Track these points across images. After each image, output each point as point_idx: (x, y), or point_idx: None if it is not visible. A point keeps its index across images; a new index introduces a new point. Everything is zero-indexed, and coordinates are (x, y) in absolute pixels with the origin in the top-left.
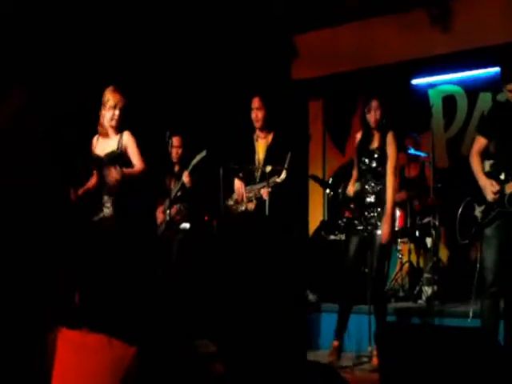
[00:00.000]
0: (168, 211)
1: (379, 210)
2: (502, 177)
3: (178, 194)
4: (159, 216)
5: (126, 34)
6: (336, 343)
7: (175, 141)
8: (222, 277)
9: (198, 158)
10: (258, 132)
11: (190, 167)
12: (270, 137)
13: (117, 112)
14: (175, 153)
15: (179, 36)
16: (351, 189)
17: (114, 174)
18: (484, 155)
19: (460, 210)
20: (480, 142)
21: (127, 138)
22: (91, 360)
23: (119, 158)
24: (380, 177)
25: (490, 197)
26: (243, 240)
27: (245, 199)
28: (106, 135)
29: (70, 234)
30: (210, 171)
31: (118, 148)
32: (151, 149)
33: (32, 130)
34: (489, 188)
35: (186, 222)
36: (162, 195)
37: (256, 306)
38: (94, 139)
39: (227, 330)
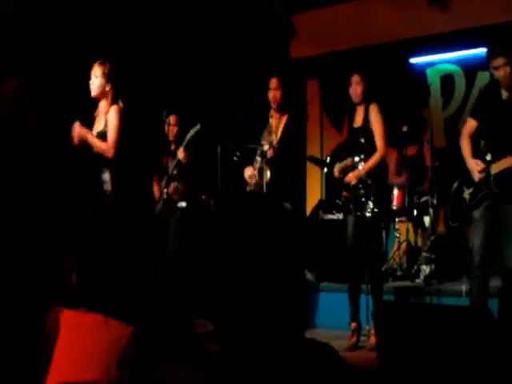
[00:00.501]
0: (165, 189)
1: (372, 188)
2: (489, 157)
3: (175, 172)
4: (156, 192)
5: (124, 16)
6: (354, 325)
7: (172, 119)
8: (218, 256)
9: (192, 132)
10: (272, 112)
11: (185, 142)
12: (285, 118)
13: (95, 80)
14: (171, 131)
15: (179, 15)
16: (336, 170)
17: (77, 131)
18: (475, 137)
19: (451, 192)
20: (470, 124)
21: (111, 113)
22: (88, 340)
23: (104, 139)
24: (368, 153)
25: (476, 177)
26: (240, 219)
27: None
28: (99, 109)
29: (67, 213)
30: (207, 150)
31: (105, 126)
32: (148, 127)
33: (29, 119)
34: (475, 168)
35: (184, 200)
36: (158, 172)
37: (253, 285)
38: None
39: (224, 309)
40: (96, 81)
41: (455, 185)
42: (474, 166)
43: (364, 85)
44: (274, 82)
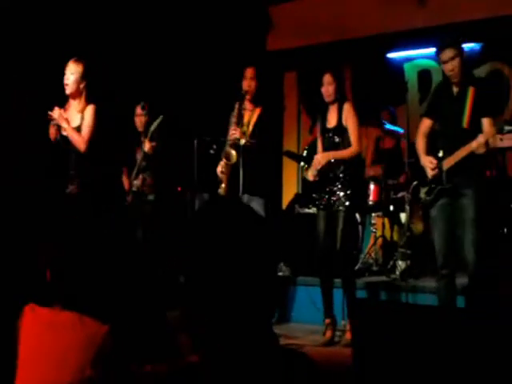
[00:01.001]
0: (134, 181)
1: (345, 183)
2: (440, 154)
3: (143, 163)
4: (125, 183)
5: (96, 8)
6: (328, 321)
7: (138, 109)
8: (192, 250)
9: (155, 124)
10: (246, 103)
11: (149, 134)
12: (258, 110)
13: (70, 77)
14: (139, 121)
15: (154, 5)
16: (310, 174)
17: (59, 113)
18: (431, 136)
19: (409, 195)
20: (425, 123)
21: (89, 112)
22: (62, 338)
23: None
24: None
25: (429, 174)
26: (213, 221)
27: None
28: (70, 106)
29: (40, 208)
30: (183, 143)
31: (80, 123)
32: (118, 118)
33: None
34: (427, 164)
35: (152, 192)
36: (127, 164)
37: (227, 278)
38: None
39: (196, 302)
40: (71, 77)
41: (411, 187)
42: (427, 164)
43: (336, 84)
44: (249, 72)
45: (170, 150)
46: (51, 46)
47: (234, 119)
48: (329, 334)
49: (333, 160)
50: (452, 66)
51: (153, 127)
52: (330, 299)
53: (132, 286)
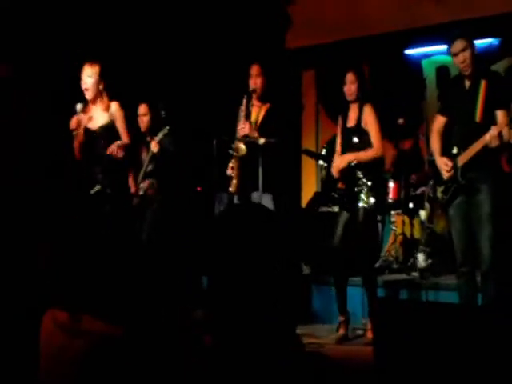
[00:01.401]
0: (141, 185)
1: (367, 182)
2: (455, 151)
3: (150, 167)
4: (132, 185)
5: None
6: (342, 318)
7: (142, 109)
8: (212, 248)
9: (160, 134)
10: (253, 100)
11: (158, 138)
12: (265, 107)
13: (88, 80)
14: (142, 121)
15: (174, 6)
16: (335, 170)
17: (116, 149)
18: (446, 134)
19: (427, 195)
20: (438, 120)
21: (115, 110)
22: (79, 342)
23: (112, 131)
24: (358, 150)
25: (445, 175)
26: (237, 221)
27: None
28: (90, 109)
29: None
30: (202, 143)
31: (109, 121)
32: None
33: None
34: (443, 167)
35: (159, 195)
36: (133, 166)
37: (248, 276)
38: (78, 116)
39: (217, 300)
40: (89, 80)
41: (429, 186)
42: (443, 166)
43: (358, 83)
44: (255, 69)
45: (185, 153)
46: (52, 46)
47: (242, 113)
48: (342, 330)
49: (354, 163)
50: (463, 58)
51: (162, 134)
52: (344, 296)
53: (145, 287)
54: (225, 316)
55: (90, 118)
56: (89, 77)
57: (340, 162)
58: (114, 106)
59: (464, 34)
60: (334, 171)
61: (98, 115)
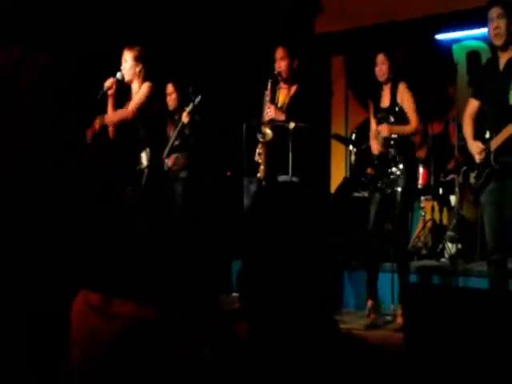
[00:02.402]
0: (166, 161)
1: (400, 165)
2: (487, 135)
3: (176, 142)
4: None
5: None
6: (372, 303)
7: (169, 88)
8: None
9: (191, 105)
10: (281, 83)
11: (189, 108)
12: (294, 88)
13: (125, 65)
14: (172, 100)
15: None
16: (375, 147)
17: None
18: (480, 118)
19: (459, 178)
20: (472, 104)
21: (144, 87)
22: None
23: (143, 120)
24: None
25: (477, 158)
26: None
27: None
28: (132, 92)
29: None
30: (231, 127)
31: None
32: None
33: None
34: (474, 150)
35: (184, 171)
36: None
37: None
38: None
39: (253, 287)
40: (126, 65)
41: (461, 172)
42: (475, 148)
43: (389, 63)
44: (279, 52)
45: (214, 132)
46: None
47: (267, 98)
48: (372, 316)
49: (394, 135)
50: (497, 24)
51: (192, 105)
52: (375, 282)
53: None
54: (260, 300)
55: (129, 102)
56: (125, 61)
57: (383, 128)
58: (144, 85)
59: (505, 2)
60: (380, 136)
61: (134, 99)
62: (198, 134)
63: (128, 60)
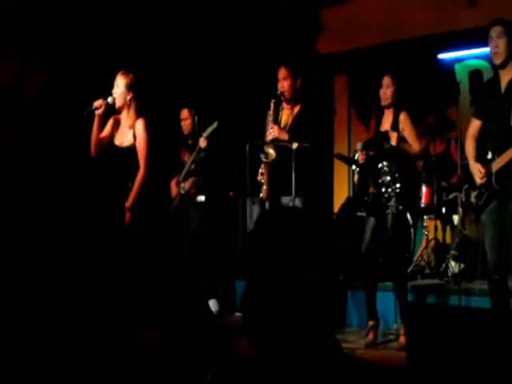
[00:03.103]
0: (182, 184)
1: (393, 189)
2: (489, 156)
3: (192, 166)
4: (173, 189)
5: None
6: (371, 322)
7: (184, 113)
8: (249, 255)
9: (209, 130)
10: (284, 104)
11: (207, 133)
12: (296, 108)
13: (117, 90)
14: (186, 125)
15: (205, 10)
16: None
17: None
18: (480, 138)
19: (462, 196)
20: (474, 124)
21: (138, 128)
22: None
23: (133, 154)
24: (393, 157)
25: (478, 182)
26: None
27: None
28: (121, 121)
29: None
30: (234, 148)
31: (133, 143)
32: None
33: (33, 97)
34: (476, 173)
35: (201, 194)
36: (176, 168)
37: (284, 282)
38: (111, 120)
39: (254, 305)
40: (118, 91)
41: (464, 190)
42: (477, 172)
43: (394, 87)
44: (282, 72)
45: (223, 155)
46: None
47: (270, 118)
48: (371, 335)
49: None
50: (497, 43)
51: (211, 129)
52: (373, 301)
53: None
54: (262, 319)
55: (119, 133)
56: (117, 87)
57: (393, 136)
58: (139, 123)
59: (506, 22)
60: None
61: (124, 134)
62: (214, 158)
63: (120, 86)
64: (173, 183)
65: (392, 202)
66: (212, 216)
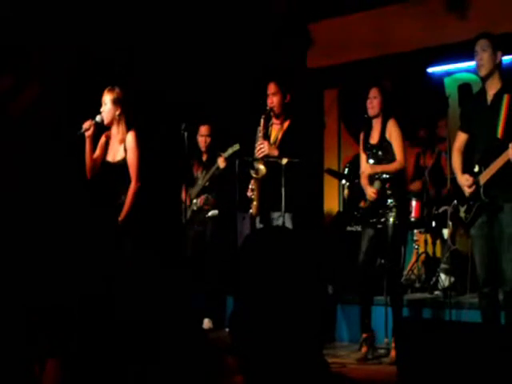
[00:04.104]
0: (195, 200)
1: (391, 200)
2: (476, 169)
3: (207, 184)
4: (184, 200)
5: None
6: (365, 335)
7: (203, 130)
8: (238, 271)
9: (230, 151)
10: (273, 119)
11: (227, 154)
12: (286, 124)
13: (105, 107)
14: (203, 141)
15: (196, 28)
16: (369, 193)
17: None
18: (468, 151)
19: (449, 214)
20: (460, 137)
21: (129, 141)
22: None
23: (125, 168)
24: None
25: (467, 192)
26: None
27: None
28: (111, 138)
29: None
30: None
31: (125, 157)
32: (167, 141)
33: (44, 124)
34: (464, 183)
35: (214, 209)
36: (186, 182)
37: (275, 298)
38: (102, 138)
39: (243, 321)
40: (106, 108)
41: (451, 206)
42: (464, 182)
43: (381, 98)
44: (271, 87)
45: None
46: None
47: (259, 134)
48: (365, 349)
49: (379, 174)
50: (480, 56)
51: (232, 150)
52: (369, 314)
53: (174, 303)
54: (250, 336)
55: (110, 149)
56: (104, 104)
57: (369, 168)
58: (130, 136)
59: (492, 36)
60: (363, 179)
61: (116, 149)
62: (228, 176)
63: (107, 103)
64: (184, 197)
65: (391, 213)
66: (225, 230)
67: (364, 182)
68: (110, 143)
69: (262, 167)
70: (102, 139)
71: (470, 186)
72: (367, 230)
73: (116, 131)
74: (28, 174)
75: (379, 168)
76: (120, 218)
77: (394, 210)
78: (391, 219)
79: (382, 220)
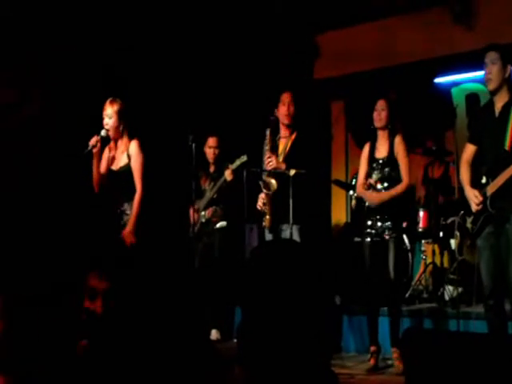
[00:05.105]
0: (203, 213)
1: (391, 214)
2: (483, 180)
3: (215, 196)
4: (192, 214)
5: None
6: (373, 348)
7: (211, 141)
8: (247, 283)
9: (237, 162)
10: (281, 131)
11: (235, 166)
12: (293, 136)
13: (109, 121)
14: (212, 153)
15: (203, 37)
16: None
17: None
18: (475, 163)
19: (459, 220)
20: (469, 149)
21: (133, 149)
22: None
23: (129, 175)
24: (392, 181)
25: (473, 208)
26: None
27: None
28: (114, 148)
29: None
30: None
31: (128, 163)
32: (174, 152)
33: (46, 136)
34: (472, 199)
35: (222, 221)
36: (194, 194)
37: (282, 309)
38: (106, 151)
39: (251, 332)
40: (110, 122)
41: (459, 216)
42: (472, 198)
43: (389, 111)
44: (287, 96)
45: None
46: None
47: (266, 147)
48: (373, 360)
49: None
50: (489, 70)
51: (239, 161)
52: (375, 327)
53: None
54: (258, 347)
55: (113, 158)
56: (109, 118)
57: (374, 199)
58: (133, 144)
59: (501, 48)
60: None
61: (119, 156)
62: (236, 187)
63: (111, 115)
64: (191, 210)
65: (390, 227)
66: (233, 242)
67: (361, 191)
68: (113, 155)
69: (273, 182)
70: (106, 153)
71: (477, 204)
72: (366, 242)
73: (120, 143)
74: (29, 186)
75: (386, 196)
76: (128, 229)
77: (393, 223)
78: (390, 232)
79: (382, 233)
